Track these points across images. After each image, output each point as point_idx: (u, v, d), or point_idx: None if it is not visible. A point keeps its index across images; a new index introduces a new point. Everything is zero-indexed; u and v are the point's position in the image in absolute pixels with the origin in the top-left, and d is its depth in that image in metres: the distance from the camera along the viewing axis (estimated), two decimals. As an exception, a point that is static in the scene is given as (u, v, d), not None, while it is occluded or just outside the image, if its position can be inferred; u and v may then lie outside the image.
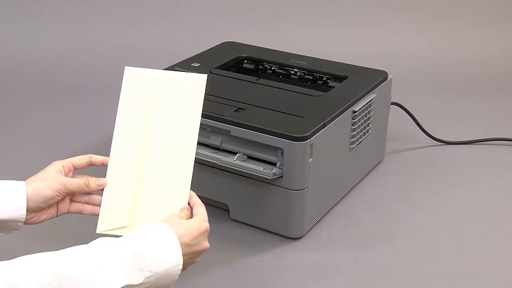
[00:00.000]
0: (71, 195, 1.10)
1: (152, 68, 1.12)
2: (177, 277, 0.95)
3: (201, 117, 1.33)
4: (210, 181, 1.39)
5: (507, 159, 1.71)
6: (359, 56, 2.07)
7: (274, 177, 1.29)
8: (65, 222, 1.40)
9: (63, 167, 1.08)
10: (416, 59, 2.28)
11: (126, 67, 1.12)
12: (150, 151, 1.09)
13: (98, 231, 1.08)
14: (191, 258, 0.99)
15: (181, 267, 0.95)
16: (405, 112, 1.73)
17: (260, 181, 1.32)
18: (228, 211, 1.41)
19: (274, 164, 1.32)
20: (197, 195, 1.06)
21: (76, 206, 1.11)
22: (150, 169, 1.08)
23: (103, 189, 1.09)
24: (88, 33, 2.36)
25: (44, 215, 1.07)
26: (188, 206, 1.05)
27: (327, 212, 1.45)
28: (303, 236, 1.37)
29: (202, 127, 1.35)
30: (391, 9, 2.40)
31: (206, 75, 1.09)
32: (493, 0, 2.40)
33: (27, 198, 1.03)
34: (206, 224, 1.01)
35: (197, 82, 1.09)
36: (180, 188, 1.06)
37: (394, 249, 1.35)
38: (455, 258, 1.32)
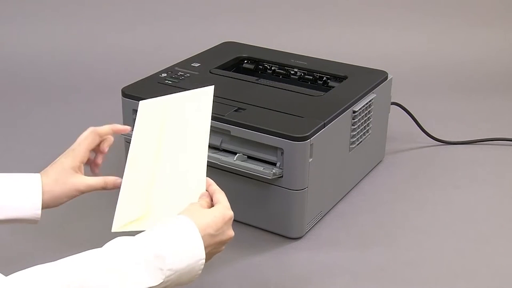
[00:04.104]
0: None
1: (163, 96, 1.18)
2: (200, 272, 0.93)
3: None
4: (210, 181, 1.39)
5: (507, 159, 1.71)
6: (359, 56, 2.07)
7: (274, 177, 1.29)
8: (65, 222, 1.40)
9: (82, 163, 1.09)
10: (416, 59, 2.28)
11: (140, 102, 1.18)
12: (164, 155, 1.10)
13: (113, 230, 1.05)
14: (215, 248, 0.96)
15: (203, 261, 0.92)
16: (405, 112, 1.73)
17: (260, 181, 1.32)
18: (228, 211, 1.41)
19: (274, 164, 1.32)
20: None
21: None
22: (165, 166, 1.08)
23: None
24: (87, 33, 2.36)
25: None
26: (207, 193, 1.02)
27: (327, 212, 1.45)
28: (303, 236, 1.37)
29: (202, 127, 1.36)
30: (391, 9, 2.40)
31: (213, 86, 1.11)
32: (493, 0, 2.40)
33: (45, 204, 1.05)
34: (230, 212, 0.98)
35: (205, 95, 1.13)
36: (196, 176, 1.04)
37: (394, 249, 1.35)
38: (455, 258, 1.32)
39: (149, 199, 1.06)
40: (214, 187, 1.03)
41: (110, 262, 0.85)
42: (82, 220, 1.40)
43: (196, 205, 0.99)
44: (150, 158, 1.11)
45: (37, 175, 1.06)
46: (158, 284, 0.87)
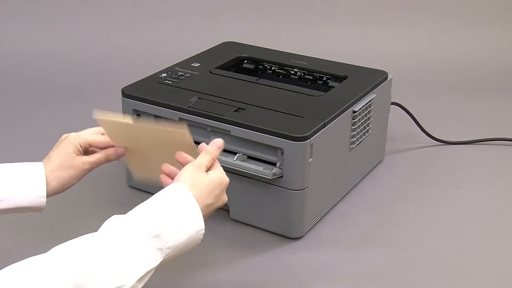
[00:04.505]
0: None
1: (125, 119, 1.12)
2: (200, 241, 0.93)
3: (201, 117, 1.35)
4: (210, 181, 1.38)
5: (507, 159, 1.71)
6: (359, 56, 2.07)
7: (274, 177, 1.29)
8: (65, 222, 1.40)
9: (81, 146, 1.10)
10: (416, 59, 2.28)
11: (94, 112, 1.10)
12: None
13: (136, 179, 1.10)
14: (208, 214, 0.97)
15: (203, 231, 0.92)
16: (405, 112, 1.73)
17: (260, 181, 1.32)
18: (228, 211, 1.41)
19: (274, 164, 1.32)
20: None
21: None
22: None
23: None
24: (88, 33, 2.36)
25: None
26: (212, 150, 1.01)
27: (327, 212, 1.45)
28: (303, 236, 1.37)
29: (202, 127, 1.36)
30: (391, 9, 2.40)
31: (185, 125, 1.03)
32: (493, 0, 2.40)
33: (52, 190, 1.06)
34: (227, 178, 0.99)
35: (180, 134, 1.04)
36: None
37: (394, 249, 1.35)
38: (455, 258, 1.32)
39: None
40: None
41: (108, 250, 0.83)
42: (82, 221, 1.40)
43: (197, 168, 0.97)
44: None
45: (40, 163, 1.08)
46: (159, 264, 0.87)
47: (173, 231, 0.88)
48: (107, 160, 1.11)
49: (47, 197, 1.06)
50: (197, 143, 1.38)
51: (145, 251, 0.86)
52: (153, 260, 0.87)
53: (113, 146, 1.13)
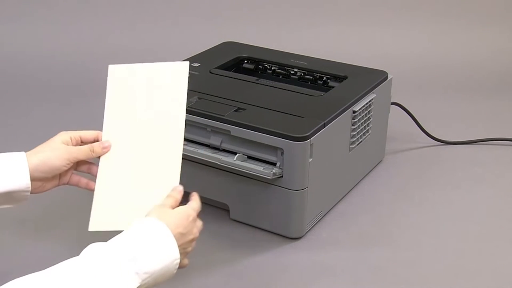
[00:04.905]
0: (76, 166, 1.12)
1: (134, 63, 1.18)
2: (175, 271, 0.95)
3: (201, 117, 1.34)
4: (210, 181, 1.39)
5: (507, 159, 1.71)
6: (359, 56, 2.07)
7: (274, 177, 1.29)
8: (64, 221, 1.40)
9: (71, 139, 1.10)
10: (416, 59, 2.28)
11: (110, 66, 1.16)
12: (138, 142, 1.11)
13: (90, 229, 1.09)
14: (186, 248, 0.99)
15: (178, 261, 0.94)
16: (405, 112, 1.73)
17: (260, 181, 1.32)
18: (228, 211, 1.41)
19: (274, 164, 1.32)
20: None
21: (75, 179, 1.14)
22: (140, 160, 1.10)
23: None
24: (87, 33, 2.36)
25: (49, 185, 1.10)
26: (174, 194, 1.05)
27: (327, 212, 1.45)
28: (303, 236, 1.37)
29: (202, 127, 1.36)
30: (391, 9, 2.40)
31: (188, 62, 1.13)
32: (493, 0, 2.40)
33: (35, 168, 1.05)
34: (194, 213, 1.01)
35: (180, 70, 1.14)
36: (170, 176, 1.08)
37: (394, 249, 1.35)
38: (455, 258, 1.32)
39: (124, 193, 1.09)
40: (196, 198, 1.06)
41: (87, 273, 0.86)
42: (82, 221, 1.40)
43: (160, 206, 1.01)
44: (125, 143, 1.12)
45: (21, 152, 1.07)
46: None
47: (149, 257, 0.91)
48: (92, 151, 1.11)
49: (32, 179, 1.05)
50: (198, 143, 1.39)
51: (123, 273, 0.88)
52: (131, 283, 0.89)
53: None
